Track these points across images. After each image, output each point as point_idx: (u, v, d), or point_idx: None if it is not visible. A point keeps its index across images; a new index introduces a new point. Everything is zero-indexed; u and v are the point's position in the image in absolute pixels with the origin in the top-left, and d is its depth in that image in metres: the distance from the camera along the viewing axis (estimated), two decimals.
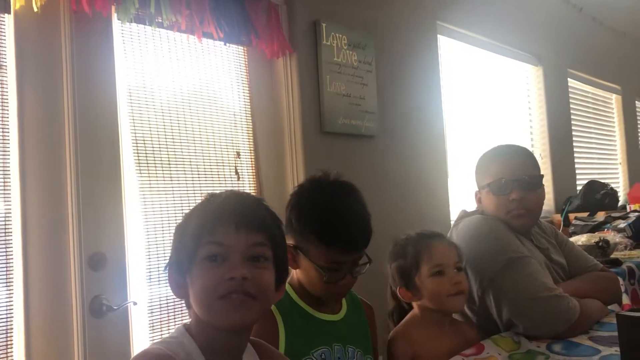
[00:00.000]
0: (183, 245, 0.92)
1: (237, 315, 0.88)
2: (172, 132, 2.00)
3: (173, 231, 0.97)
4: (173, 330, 0.93)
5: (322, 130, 2.44)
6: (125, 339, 1.78)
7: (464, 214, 1.72)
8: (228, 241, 0.89)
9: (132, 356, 0.87)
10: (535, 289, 1.44)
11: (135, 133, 1.88)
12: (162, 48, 2.00)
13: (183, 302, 0.95)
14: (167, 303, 1.89)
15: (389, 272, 1.50)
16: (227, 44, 2.16)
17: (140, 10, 1.83)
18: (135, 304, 1.79)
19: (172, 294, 0.97)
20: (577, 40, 4.86)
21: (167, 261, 0.96)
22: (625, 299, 2.38)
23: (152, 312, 1.86)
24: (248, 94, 2.27)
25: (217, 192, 1.00)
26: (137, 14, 1.83)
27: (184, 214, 0.98)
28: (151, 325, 1.87)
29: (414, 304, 1.46)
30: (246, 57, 2.27)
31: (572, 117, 4.69)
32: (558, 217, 3.92)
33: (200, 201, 0.97)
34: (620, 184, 5.47)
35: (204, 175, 2.06)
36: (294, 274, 1.36)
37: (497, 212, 1.62)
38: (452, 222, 1.77)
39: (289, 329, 1.26)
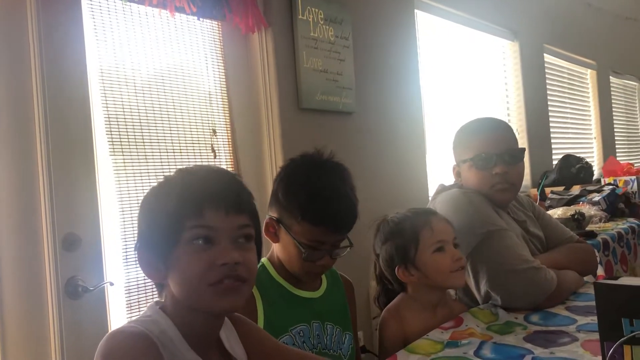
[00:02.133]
0: (159, 226, 0.87)
1: (227, 302, 0.86)
2: (146, 111, 1.95)
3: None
4: (146, 309, 0.90)
5: (299, 107, 2.41)
6: (102, 320, 1.76)
7: (442, 188, 1.72)
8: (218, 224, 0.86)
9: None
10: (513, 261, 1.45)
11: (108, 112, 1.84)
12: (133, 24, 1.94)
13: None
14: (145, 283, 1.86)
15: (379, 253, 1.45)
16: (201, 19, 2.11)
17: None
18: (112, 284, 1.77)
19: None
20: (552, 15, 4.87)
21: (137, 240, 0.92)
22: (600, 270, 2.43)
23: (129, 293, 1.84)
24: (223, 71, 2.22)
25: (189, 167, 0.96)
26: None
27: (152, 189, 0.92)
28: (129, 305, 1.84)
29: (408, 285, 1.43)
30: (220, 32, 2.23)
31: (548, 92, 4.72)
32: (535, 192, 3.96)
33: (172, 176, 0.92)
34: (595, 158, 5.55)
35: (179, 154, 2.02)
36: (273, 250, 1.35)
37: (480, 187, 1.61)
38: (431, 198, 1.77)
39: (267, 306, 1.26)
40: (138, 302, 1.86)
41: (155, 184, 0.94)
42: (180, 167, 0.97)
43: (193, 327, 0.88)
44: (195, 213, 0.86)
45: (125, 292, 1.84)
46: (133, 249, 0.93)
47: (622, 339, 0.76)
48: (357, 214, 1.27)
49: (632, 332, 0.76)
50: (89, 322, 1.71)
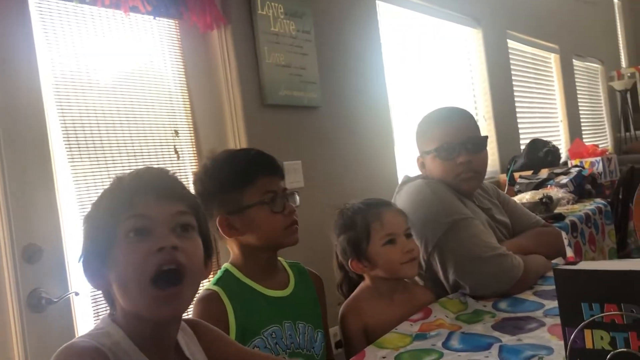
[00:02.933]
0: (98, 230, 0.84)
1: (168, 309, 0.82)
2: (104, 114, 1.90)
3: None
4: (99, 321, 0.88)
5: (263, 103, 2.38)
6: (69, 331, 1.71)
7: (407, 179, 1.71)
8: (150, 212, 0.83)
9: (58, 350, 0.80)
10: (480, 249, 1.45)
11: (64, 117, 1.79)
12: (86, 25, 1.89)
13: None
14: None
15: (336, 244, 1.46)
16: (157, 18, 2.06)
17: None
18: (77, 294, 1.72)
19: None
20: (514, 1, 4.91)
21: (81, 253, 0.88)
22: (569, 252, 2.46)
23: (96, 302, 1.79)
24: (183, 70, 2.18)
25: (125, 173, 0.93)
26: None
27: (91, 204, 0.89)
28: (96, 315, 1.80)
29: (365, 275, 1.44)
30: (178, 31, 2.18)
31: (513, 77, 4.77)
32: (504, 177, 4.00)
33: (108, 186, 0.89)
34: (561, 141, 5.63)
35: (141, 156, 1.98)
36: (234, 250, 1.33)
37: (445, 177, 1.61)
38: None
39: (238, 310, 1.24)
40: (106, 310, 1.81)
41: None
42: None
43: (146, 336, 0.84)
44: (126, 204, 0.83)
45: (92, 302, 1.79)
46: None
47: (582, 323, 0.76)
48: (277, 159, 1.35)
49: (591, 316, 0.76)
50: (54, 335, 1.66)
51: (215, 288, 1.26)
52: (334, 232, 1.46)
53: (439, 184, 1.57)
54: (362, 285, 1.45)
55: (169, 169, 1.02)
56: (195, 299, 1.31)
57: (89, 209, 0.89)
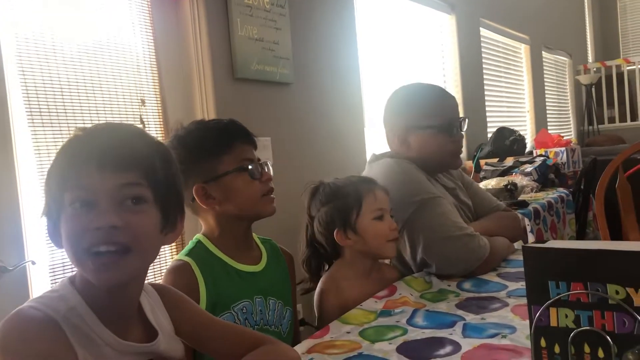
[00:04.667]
0: (49, 192, 0.80)
1: (105, 276, 0.77)
2: (69, 81, 1.83)
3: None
4: (57, 284, 0.84)
5: (234, 77, 2.33)
6: (24, 301, 1.65)
7: (374, 158, 1.70)
8: (91, 184, 0.76)
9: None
10: (448, 228, 1.46)
11: (26, 84, 1.71)
12: None
13: None
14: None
15: (314, 216, 1.42)
16: None
17: None
18: (33, 263, 1.67)
19: None
20: None
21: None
22: (531, 238, 2.50)
23: (54, 272, 1.74)
24: (152, 38, 2.12)
25: (88, 125, 0.87)
26: None
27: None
28: (54, 284, 1.75)
29: (345, 249, 1.41)
30: None
31: (483, 66, 4.80)
32: (470, 164, 4.04)
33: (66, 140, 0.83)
34: (528, 130, 5.72)
35: None
36: (209, 221, 1.30)
37: (440, 153, 1.62)
38: None
39: (209, 283, 1.22)
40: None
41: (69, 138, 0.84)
42: None
43: (102, 300, 0.81)
44: (72, 172, 0.77)
45: (50, 271, 1.74)
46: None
47: (549, 301, 0.76)
48: None
49: (557, 295, 0.76)
50: (9, 304, 1.57)
51: (187, 259, 1.23)
52: (312, 205, 1.43)
53: (407, 163, 1.57)
54: (338, 262, 1.42)
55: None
56: (166, 269, 1.29)
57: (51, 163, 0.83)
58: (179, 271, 1.22)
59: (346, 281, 1.38)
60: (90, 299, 0.80)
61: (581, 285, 0.75)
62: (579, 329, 0.76)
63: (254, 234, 1.38)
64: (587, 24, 8.12)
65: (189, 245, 1.29)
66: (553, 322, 0.78)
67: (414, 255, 1.49)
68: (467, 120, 1.67)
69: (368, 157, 3.09)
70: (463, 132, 1.67)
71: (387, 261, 1.55)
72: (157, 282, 1.03)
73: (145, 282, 0.90)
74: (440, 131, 1.61)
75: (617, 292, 0.73)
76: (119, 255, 0.76)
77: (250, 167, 1.27)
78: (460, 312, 1.16)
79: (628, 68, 7.29)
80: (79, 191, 0.77)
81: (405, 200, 1.48)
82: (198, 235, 1.31)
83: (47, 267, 1.73)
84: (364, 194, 1.38)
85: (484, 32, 4.83)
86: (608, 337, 0.73)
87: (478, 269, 1.45)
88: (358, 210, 1.37)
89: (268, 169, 1.32)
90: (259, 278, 1.30)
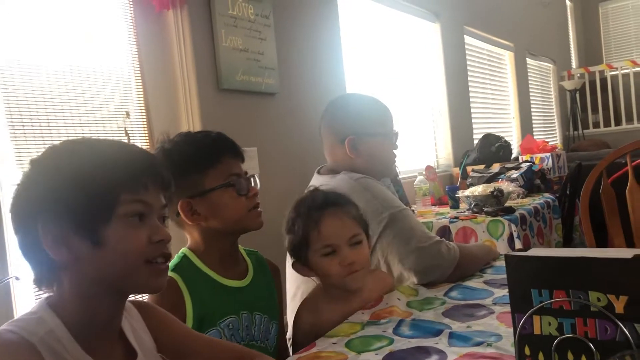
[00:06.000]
0: (89, 197, 0.77)
1: (161, 281, 0.85)
2: (52, 94, 1.83)
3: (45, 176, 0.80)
4: (34, 306, 0.82)
5: (219, 88, 2.34)
6: (7, 317, 1.63)
7: (328, 171, 1.68)
8: (151, 201, 0.83)
9: None
10: (419, 239, 1.48)
11: (8, 97, 1.70)
12: (34, 2, 1.80)
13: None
14: None
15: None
16: None
17: None
18: (17, 279, 1.65)
19: None
20: None
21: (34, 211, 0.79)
22: (518, 244, 2.51)
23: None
24: (136, 50, 2.11)
25: (99, 138, 0.90)
26: None
27: (69, 152, 0.82)
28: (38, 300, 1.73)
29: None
30: (132, 9, 2.11)
31: (468, 73, 4.84)
32: (457, 171, 4.06)
33: (95, 144, 0.86)
34: (514, 136, 5.77)
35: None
36: (194, 235, 1.29)
37: (387, 159, 1.69)
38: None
39: (195, 299, 1.19)
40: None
41: (63, 150, 0.83)
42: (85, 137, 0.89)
43: (90, 321, 0.80)
44: (138, 186, 0.82)
45: (34, 287, 1.72)
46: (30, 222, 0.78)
47: (532, 309, 0.77)
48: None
49: (540, 303, 0.76)
50: None
51: (173, 275, 1.20)
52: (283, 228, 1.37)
53: (365, 178, 1.58)
54: (316, 286, 1.36)
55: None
56: None
57: (71, 164, 0.80)
58: (165, 287, 1.20)
59: (324, 305, 1.29)
60: (70, 322, 0.79)
61: (563, 293, 0.75)
62: (562, 337, 0.76)
63: (240, 246, 1.36)
64: (570, 31, 8.22)
65: (175, 259, 1.26)
66: (537, 330, 0.78)
67: (389, 270, 1.49)
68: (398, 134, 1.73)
69: None
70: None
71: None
72: (139, 299, 1.01)
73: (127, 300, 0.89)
74: (387, 138, 1.68)
75: (598, 299, 0.73)
76: (168, 261, 0.86)
77: (237, 183, 1.25)
78: (446, 321, 1.16)
79: (611, 73, 7.38)
80: (140, 205, 0.82)
81: (373, 219, 1.47)
82: (184, 249, 1.29)
83: (31, 282, 1.71)
84: (310, 228, 1.24)
85: (468, 39, 4.88)
86: (591, 344, 0.74)
87: (457, 274, 1.47)
88: (306, 245, 1.25)
89: (255, 182, 1.30)
90: (245, 293, 1.28)
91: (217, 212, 1.24)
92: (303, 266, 1.29)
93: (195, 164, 1.23)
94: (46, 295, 0.83)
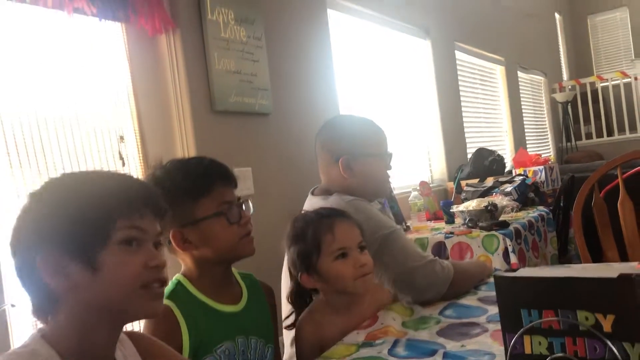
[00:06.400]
0: (85, 225, 0.79)
1: (156, 305, 0.86)
2: (46, 119, 1.84)
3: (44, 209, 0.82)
4: (26, 339, 0.83)
5: (212, 109, 2.36)
6: (4, 344, 1.64)
7: (321, 192, 1.69)
8: (147, 227, 0.85)
9: None
10: (412, 259, 1.50)
11: (2, 123, 1.72)
12: (28, 26, 1.82)
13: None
14: None
15: (286, 255, 1.40)
16: (103, 20, 2.00)
17: None
18: (13, 306, 1.65)
19: None
20: (462, 13, 5.04)
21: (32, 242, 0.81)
22: (513, 258, 2.52)
23: None
24: (129, 74, 2.13)
25: (100, 170, 0.92)
26: None
27: (56, 190, 0.84)
28: (35, 328, 1.72)
29: (319, 289, 1.38)
30: (125, 34, 2.13)
31: (460, 88, 4.89)
32: (451, 185, 4.09)
33: (89, 175, 0.89)
34: (506, 150, 5.80)
35: (84, 163, 1.92)
36: (187, 262, 1.29)
37: (380, 179, 1.71)
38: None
39: (191, 326, 1.19)
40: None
41: (59, 183, 0.86)
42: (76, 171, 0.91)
43: (85, 351, 0.81)
44: (133, 213, 0.84)
45: (31, 315, 1.72)
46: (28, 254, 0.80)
47: (522, 329, 0.78)
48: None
49: (530, 322, 0.78)
50: None
51: (168, 302, 1.19)
52: (284, 243, 1.40)
53: (358, 201, 1.59)
54: (317, 299, 1.39)
55: None
56: None
57: (62, 194, 0.83)
58: (160, 316, 1.19)
59: (326, 317, 1.34)
60: (65, 352, 0.79)
61: (552, 313, 0.77)
62: (552, 356, 0.77)
63: (233, 270, 1.37)
64: (560, 43, 8.31)
65: (169, 286, 1.26)
66: (527, 350, 0.79)
67: None
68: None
69: None
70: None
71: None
72: (132, 330, 1.02)
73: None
74: (382, 159, 1.70)
75: (586, 319, 0.75)
76: (163, 286, 0.87)
77: (228, 211, 1.24)
78: (441, 340, 1.17)
79: (602, 85, 7.46)
80: (136, 231, 0.84)
81: (368, 239, 1.48)
82: (178, 276, 1.29)
83: (28, 310, 1.71)
84: (322, 234, 1.30)
85: (459, 55, 4.93)
86: None
87: (451, 292, 1.48)
88: (318, 252, 1.30)
89: (248, 208, 1.30)
90: (240, 318, 1.28)
91: (208, 241, 1.24)
92: (310, 276, 1.33)
93: (186, 193, 1.22)
94: (39, 327, 0.84)
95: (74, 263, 0.79)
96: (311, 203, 1.67)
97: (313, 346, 1.30)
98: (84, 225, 0.80)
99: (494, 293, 1.47)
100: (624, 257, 2.06)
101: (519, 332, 0.78)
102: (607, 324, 0.73)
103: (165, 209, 0.90)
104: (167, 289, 1.25)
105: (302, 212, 1.44)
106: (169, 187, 1.20)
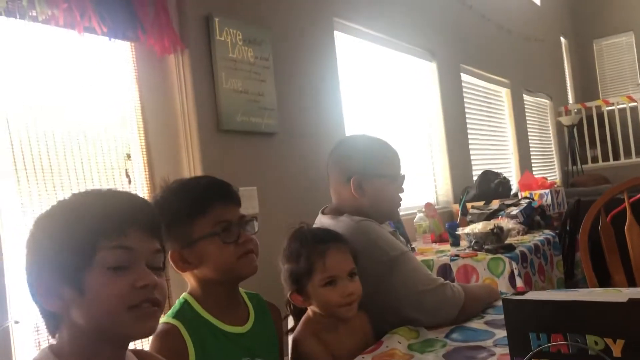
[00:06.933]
0: (70, 247, 0.80)
1: (147, 325, 0.84)
2: (54, 136, 1.85)
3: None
4: (37, 354, 0.83)
5: (219, 129, 2.37)
6: None
7: (331, 211, 1.68)
8: (137, 246, 0.83)
9: None
10: (423, 282, 1.49)
11: (10, 139, 1.73)
12: (39, 44, 1.84)
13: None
14: None
15: (281, 269, 1.42)
16: (112, 39, 2.03)
17: (10, 2, 1.68)
18: (17, 322, 1.64)
19: None
20: (468, 36, 5.08)
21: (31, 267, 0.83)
22: (519, 282, 2.50)
23: (38, 331, 1.72)
24: (137, 93, 2.15)
25: (90, 190, 0.91)
26: (6, 7, 1.68)
27: (53, 211, 0.86)
28: (38, 345, 1.72)
29: (308, 307, 1.41)
30: (134, 53, 2.16)
31: (466, 110, 4.90)
32: (456, 207, 4.07)
33: (77, 197, 0.87)
34: (513, 172, 5.79)
35: (91, 181, 1.93)
36: (192, 282, 1.29)
37: (392, 202, 1.68)
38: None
39: (197, 347, 1.18)
40: (48, 340, 1.73)
41: (53, 207, 0.87)
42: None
43: None
44: (115, 232, 0.82)
45: (34, 331, 1.72)
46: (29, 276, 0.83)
47: (530, 353, 0.77)
48: (233, 186, 1.31)
49: (539, 346, 0.77)
50: None
51: (175, 322, 1.20)
52: (280, 258, 1.42)
53: (368, 222, 1.58)
54: (305, 315, 1.41)
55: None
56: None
57: (53, 217, 0.84)
58: (168, 336, 1.17)
59: (321, 333, 1.36)
60: None
61: (561, 337, 0.76)
62: None
63: (241, 290, 1.36)
64: (566, 67, 8.35)
65: (176, 305, 1.26)
66: None
67: (393, 314, 1.48)
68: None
69: None
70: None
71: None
72: (140, 349, 1.01)
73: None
74: (393, 181, 1.67)
75: (596, 343, 0.74)
76: (156, 306, 0.84)
77: (223, 231, 1.23)
78: None
79: (607, 109, 7.46)
80: (122, 251, 0.81)
81: (375, 261, 1.48)
82: (185, 295, 1.28)
83: (31, 327, 1.70)
84: (314, 260, 1.33)
85: (465, 77, 4.95)
86: None
87: (461, 316, 1.46)
88: (309, 275, 1.34)
89: (251, 227, 1.29)
90: (246, 338, 1.27)
91: (205, 261, 1.24)
92: (299, 296, 1.36)
93: (182, 214, 1.23)
94: (50, 342, 0.84)
95: (64, 286, 0.81)
96: (321, 222, 1.66)
97: (317, 353, 1.32)
98: (68, 248, 0.81)
99: (500, 316, 1.46)
100: (631, 281, 2.05)
101: (527, 356, 0.77)
102: (617, 348, 0.72)
103: (158, 225, 0.88)
104: (174, 308, 1.25)
105: (300, 226, 1.44)
106: (166, 209, 1.22)
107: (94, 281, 0.80)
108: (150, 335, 0.88)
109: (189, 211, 1.23)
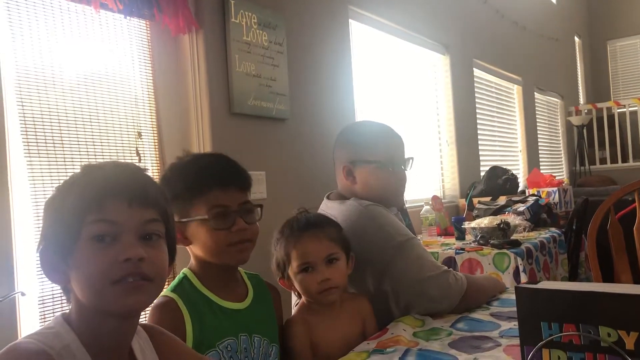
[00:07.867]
0: (61, 223, 0.80)
1: (132, 300, 0.80)
2: (66, 111, 1.85)
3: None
4: (51, 320, 0.84)
5: (230, 112, 2.36)
6: (12, 332, 1.64)
7: (337, 197, 1.68)
8: (119, 218, 0.80)
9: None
10: (428, 269, 1.48)
11: (24, 112, 1.73)
12: (54, 19, 1.84)
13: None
14: (61, 293, 1.75)
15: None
16: (127, 17, 2.02)
17: None
18: (23, 294, 1.65)
19: None
20: (482, 31, 5.05)
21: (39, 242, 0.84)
22: (524, 278, 2.50)
23: (43, 303, 1.73)
24: (151, 72, 2.15)
25: (95, 163, 0.90)
26: None
27: (56, 187, 0.85)
28: (43, 317, 1.73)
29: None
30: (149, 32, 2.15)
31: (476, 105, 4.88)
32: (463, 202, 4.06)
33: (76, 173, 0.86)
34: (520, 169, 5.77)
35: (102, 156, 1.93)
36: (192, 257, 1.30)
37: (386, 188, 1.62)
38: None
39: (195, 320, 1.19)
40: (53, 312, 1.75)
41: (62, 183, 0.87)
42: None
43: (100, 338, 0.81)
44: (95, 206, 0.80)
45: (39, 303, 1.73)
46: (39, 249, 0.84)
47: (541, 342, 0.77)
48: (243, 169, 1.29)
49: (550, 336, 0.76)
50: None
51: (173, 295, 1.21)
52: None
53: (375, 206, 1.56)
54: (300, 300, 1.43)
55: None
56: (151, 305, 1.27)
57: (52, 195, 0.84)
58: (165, 308, 1.18)
59: (311, 316, 1.38)
60: (85, 338, 0.80)
61: (573, 327, 0.75)
62: None
63: (240, 269, 1.37)
64: (578, 67, 8.29)
65: (175, 280, 1.27)
66: None
67: (397, 300, 1.48)
68: (412, 160, 1.67)
69: None
70: (407, 171, 1.67)
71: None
72: (144, 322, 1.02)
73: None
74: (382, 167, 1.61)
75: (609, 335, 0.73)
76: (144, 280, 0.81)
77: (216, 217, 1.21)
78: (452, 352, 1.15)
79: (618, 110, 7.41)
80: (103, 224, 0.80)
81: (382, 246, 1.48)
82: (185, 270, 1.29)
83: (36, 298, 1.71)
84: (290, 247, 1.35)
85: (477, 72, 4.92)
86: None
87: (464, 305, 1.46)
88: (288, 262, 1.36)
89: (252, 216, 1.26)
90: (243, 315, 1.28)
91: (196, 242, 1.24)
92: (286, 281, 1.40)
93: (182, 192, 1.23)
94: (64, 310, 0.85)
95: (61, 261, 0.81)
96: (326, 207, 1.66)
97: (303, 344, 1.33)
98: (60, 223, 0.81)
99: (506, 309, 1.47)
100: (637, 282, 2.04)
101: (538, 345, 0.77)
102: (630, 341, 0.72)
103: (152, 194, 0.85)
104: (173, 282, 1.26)
105: (298, 213, 1.44)
106: (173, 184, 1.23)
107: (80, 256, 0.79)
108: (139, 310, 0.85)
109: (188, 191, 1.23)
